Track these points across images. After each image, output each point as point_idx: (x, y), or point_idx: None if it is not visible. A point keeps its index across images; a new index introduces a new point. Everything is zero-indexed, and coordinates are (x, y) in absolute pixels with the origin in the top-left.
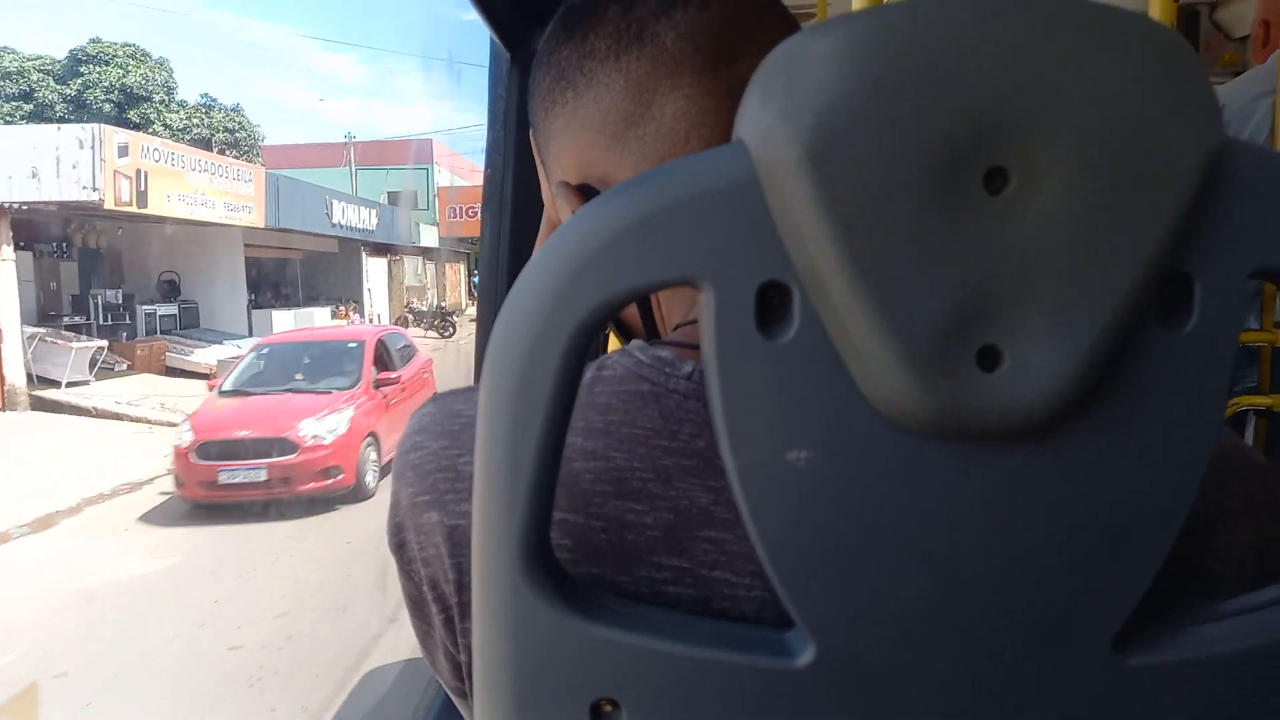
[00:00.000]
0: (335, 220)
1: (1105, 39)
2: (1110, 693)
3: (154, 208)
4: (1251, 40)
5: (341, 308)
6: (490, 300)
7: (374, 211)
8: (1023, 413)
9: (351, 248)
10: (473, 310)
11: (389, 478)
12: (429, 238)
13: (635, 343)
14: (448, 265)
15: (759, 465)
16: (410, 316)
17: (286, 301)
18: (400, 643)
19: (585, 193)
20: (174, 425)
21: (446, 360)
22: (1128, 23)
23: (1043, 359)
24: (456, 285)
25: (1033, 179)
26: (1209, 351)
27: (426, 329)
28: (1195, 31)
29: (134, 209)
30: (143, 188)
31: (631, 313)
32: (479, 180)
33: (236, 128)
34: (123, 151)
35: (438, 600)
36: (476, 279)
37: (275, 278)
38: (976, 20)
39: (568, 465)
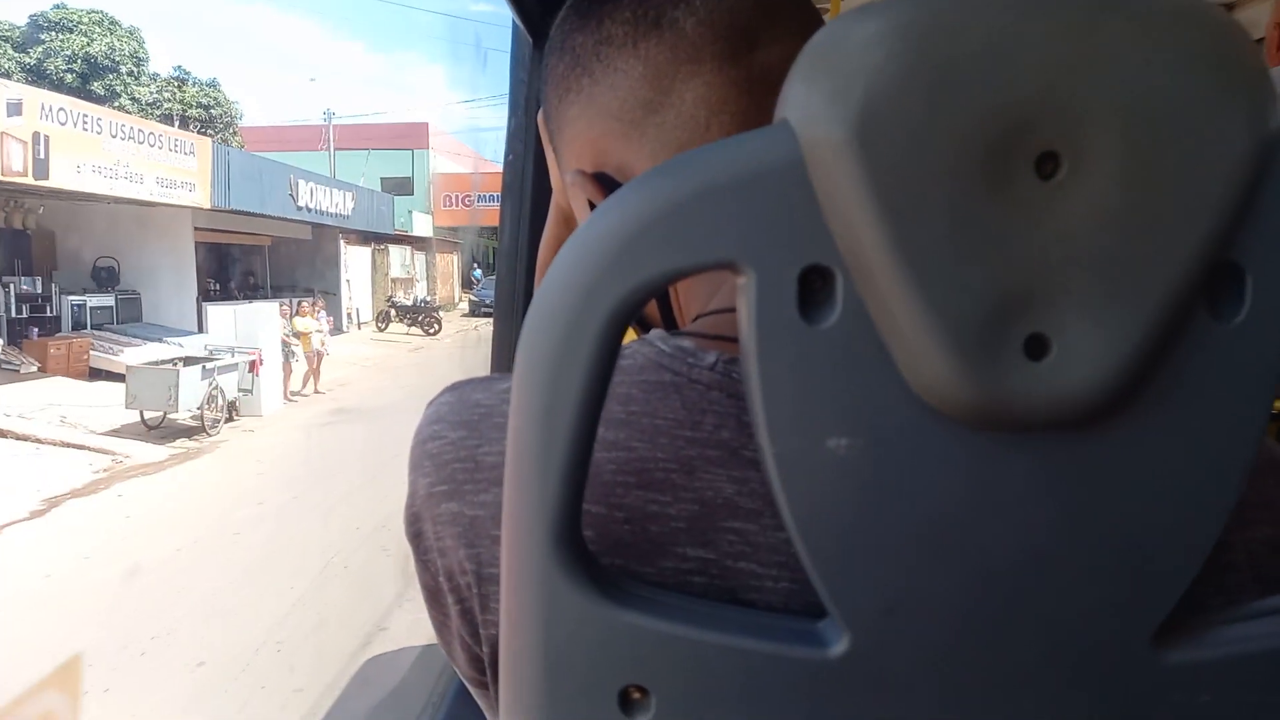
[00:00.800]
0: (303, 204)
1: (1159, 22)
2: (1149, 689)
3: (59, 180)
4: (1266, 43)
5: (304, 304)
6: (509, 289)
7: (350, 195)
8: (1069, 403)
9: (328, 235)
10: (465, 305)
11: None
12: (422, 226)
13: (656, 332)
14: (439, 256)
15: (798, 452)
16: (392, 312)
17: (253, 293)
18: None
19: (602, 181)
20: (72, 446)
21: (432, 359)
22: (1183, 6)
23: (1090, 348)
24: (449, 277)
25: (1083, 164)
26: (1259, 344)
27: (410, 325)
28: None
29: (29, 180)
30: (42, 155)
31: (649, 304)
32: (480, 167)
33: (211, 104)
34: (13, 110)
35: (454, 591)
36: (477, 271)
37: (240, 267)
38: (1028, 4)
39: None
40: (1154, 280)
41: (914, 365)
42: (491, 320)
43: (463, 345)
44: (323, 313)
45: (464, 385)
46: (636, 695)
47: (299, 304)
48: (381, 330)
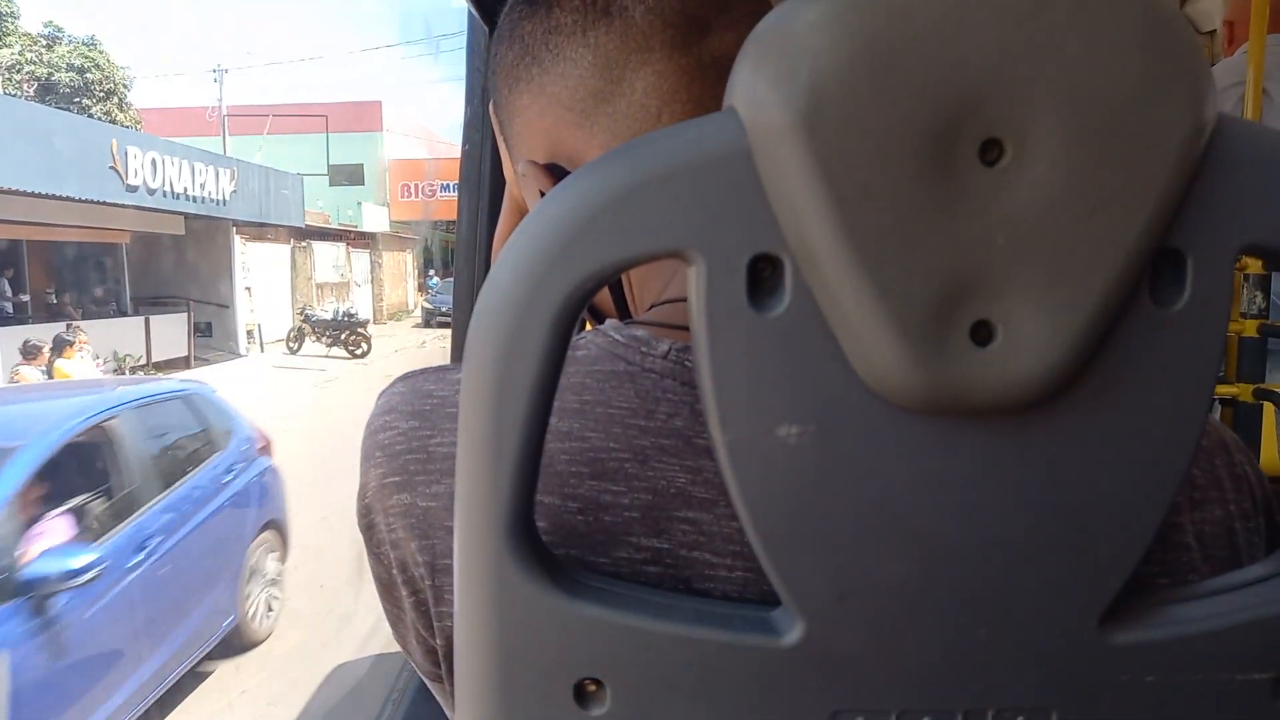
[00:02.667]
0: (134, 181)
1: (1101, 8)
2: (1095, 670)
3: None
4: (1219, 36)
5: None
6: (467, 283)
7: (229, 174)
8: (1016, 388)
9: (214, 229)
10: (414, 319)
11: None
12: (376, 220)
13: (610, 322)
14: (389, 255)
15: (749, 441)
16: (307, 328)
17: (101, 307)
18: None
19: (554, 171)
20: None
21: (352, 387)
22: None
23: (1036, 334)
24: (400, 280)
25: (1027, 151)
26: (1200, 329)
27: (330, 345)
28: None
29: None
30: None
31: (603, 294)
32: (444, 152)
33: (86, 65)
34: None
35: (408, 584)
36: (433, 280)
37: (83, 271)
38: None
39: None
40: (1098, 266)
41: (862, 352)
42: (448, 332)
43: (397, 372)
44: (85, 350)
45: (417, 375)
46: (592, 687)
47: (69, 330)
48: (293, 352)
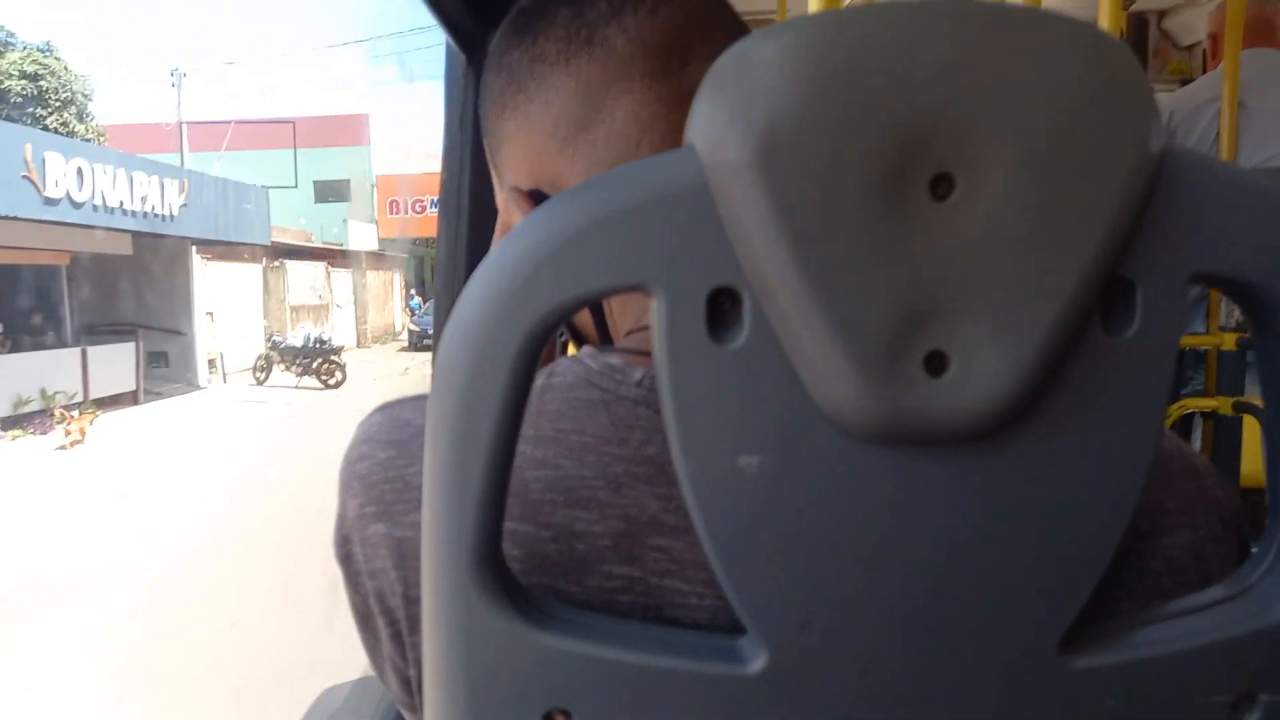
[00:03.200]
0: (54, 193)
1: (1048, 45)
2: (1055, 694)
3: None
4: (1206, 52)
5: None
6: (446, 308)
7: (178, 186)
8: (969, 417)
9: (167, 248)
10: (400, 343)
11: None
12: (363, 238)
13: (586, 349)
14: (374, 274)
15: (710, 471)
16: (276, 357)
17: (38, 337)
18: None
19: (536, 198)
20: None
21: (320, 422)
22: (1071, 30)
23: (988, 364)
24: (386, 301)
25: (977, 184)
26: (1151, 356)
27: (300, 374)
28: (1144, 39)
29: None
30: None
31: (585, 318)
32: (432, 167)
33: (41, 73)
34: None
35: (385, 614)
36: (414, 301)
37: (14, 297)
38: (924, 26)
39: (517, 474)
40: (1049, 297)
41: (819, 384)
42: (431, 358)
43: (372, 405)
44: None
45: (395, 404)
46: (560, 719)
47: None
48: (260, 382)
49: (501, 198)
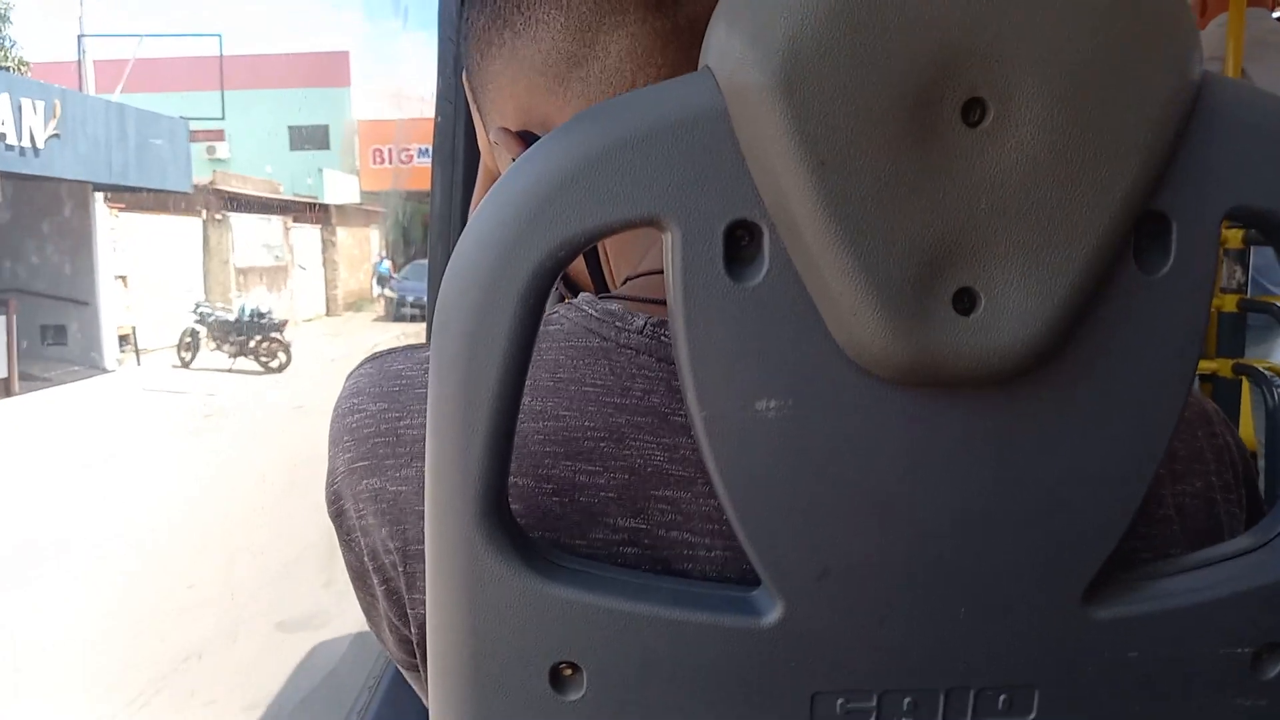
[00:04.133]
0: None
1: None
2: (1078, 645)
3: None
4: (1191, 9)
5: None
6: (442, 260)
7: (47, 108)
8: (998, 357)
9: (54, 194)
10: (376, 310)
11: None
12: (343, 190)
13: (583, 296)
14: (345, 231)
15: (726, 416)
16: (202, 332)
17: None
18: None
19: (526, 139)
20: None
21: (248, 424)
22: None
23: (1019, 301)
24: (363, 262)
25: (1010, 111)
26: (1185, 295)
27: (234, 355)
28: None
29: None
30: None
31: (578, 266)
32: (422, 112)
33: None
34: None
35: (379, 571)
36: (383, 264)
37: None
38: None
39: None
40: (1081, 231)
41: (842, 323)
42: (417, 328)
43: (321, 397)
44: None
45: (385, 355)
46: (568, 671)
47: None
48: (186, 364)
49: (485, 140)
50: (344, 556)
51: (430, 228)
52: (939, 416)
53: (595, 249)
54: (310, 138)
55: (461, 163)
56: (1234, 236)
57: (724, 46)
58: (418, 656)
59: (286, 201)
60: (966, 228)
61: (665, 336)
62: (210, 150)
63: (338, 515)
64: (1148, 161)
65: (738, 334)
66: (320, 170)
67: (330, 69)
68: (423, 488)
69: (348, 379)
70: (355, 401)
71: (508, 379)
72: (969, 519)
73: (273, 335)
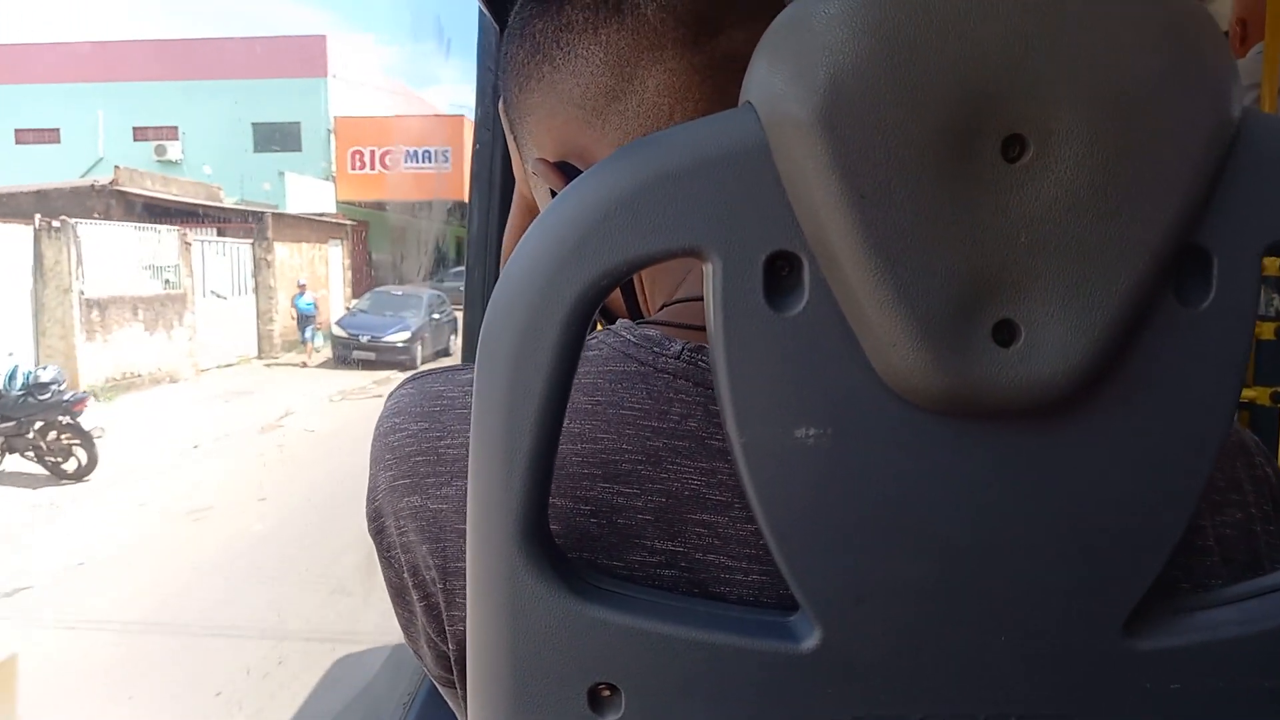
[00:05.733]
0: None
1: (1125, 4)
2: (1119, 676)
3: None
4: (1230, 38)
5: None
6: (479, 282)
7: None
8: (1038, 389)
9: None
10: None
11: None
12: (315, 198)
13: (621, 322)
14: (289, 247)
15: (766, 443)
16: None
17: None
18: None
19: (564, 170)
20: None
21: None
22: None
23: (1059, 334)
24: (316, 288)
25: (1050, 147)
26: (1226, 329)
27: (2, 452)
28: None
29: None
30: None
31: (614, 293)
32: (414, 108)
33: None
34: None
35: (419, 588)
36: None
37: None
38: None
39: None
40: (1122, 265)
41: (881, 353)
42: (368, 378)
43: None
44: None
45: (425, 376)
46: (606, 692)
47: None
48: None
49: (521, 170)
50: (383, 573)
51: (468, 250)
52: (978, 446)
53: (632, 276)
54: (278, 137)
55: (498, 189)
56: (1272, 264)
57: (765, 82)
58: (455, 673)
59: (224, 210)
60: (1006, 261)
61: (702, 362)
62: (160, 151)
63: (378, 532)
64: (1188, 196)
65: (777, 362)
66: (281, 174)
67: (304, 56)
68: (462, 506)
69: (388, 399)
70: (396, 421)
71: (550, 403)
72: (1007, 547)
73: (62, 420)
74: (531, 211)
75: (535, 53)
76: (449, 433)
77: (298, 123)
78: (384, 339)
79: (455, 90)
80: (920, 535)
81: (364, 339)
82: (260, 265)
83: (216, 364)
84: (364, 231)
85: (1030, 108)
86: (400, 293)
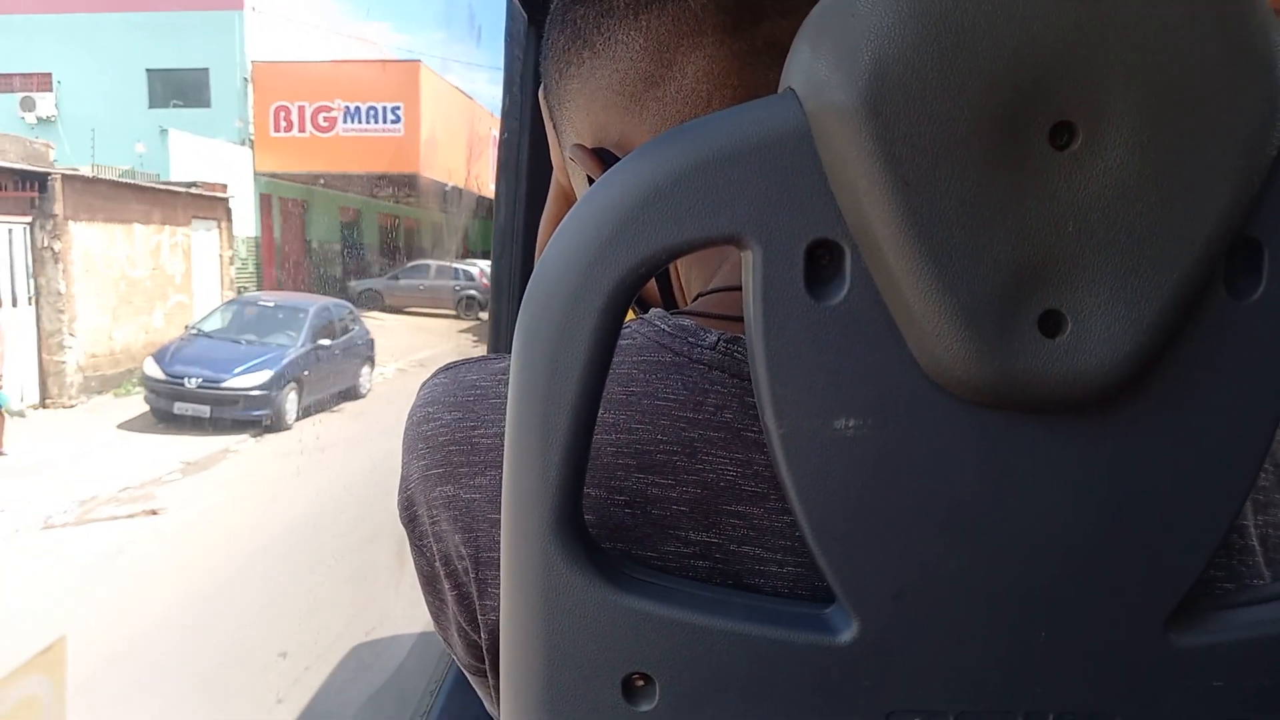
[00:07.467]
0: None
1: None
2: (1161, 673)
3: None
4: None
5: None
6: (506, 271)
7: None
8: (1084, 381)
9: None
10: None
11: None
12: (215, 168)
13: (655, 312)
14: (94, 231)
15: (805, 433)
16: None
17: None
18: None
19: (602, 156)
20: None
21: None
22: None
23: (1107, 325)
24: (164, 292)
25: (1099, 135)
26: (1277, 321)
27: None
28: None
29: None
30: None
31: (648, 283)
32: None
33: None
34: None
35: (451, 577)
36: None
37: None
38: None
39: None
40: (1172, 256)
41: (924, 343)
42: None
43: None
44: None
45: (458, 366)
46: (640, 682)
47: None
48: None
49: (559, 157)
50: (414, 561)
51: (494, 243)
52: (1021, 438)
53: (668, 265)
54: (179, 88)
55: (525, 177)
56: None
57: (808, 68)
58: (486, 662)
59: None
60: (1053, 250)
61: (738, 353)
62: (27, 104)
63: (410, 521)
64: (1239, 186)
65: (817, 352)
66: (163, 130)
67: None
68: (495, 496)
69: (421, 389)
70: (430, 410)
71: (586, 391)
72: (1049, 542)
73: None
74: (568, 200)
75: (576, 39)
76: (483, 422)
77: (205, 69)
78: (224, 384)
79: (408, 25)
80: (961, 529)
81: (191, 383)
82: (43, 259)
83: None
84: (301, 212)
85: (1080, 94)
86: (272, 304)
